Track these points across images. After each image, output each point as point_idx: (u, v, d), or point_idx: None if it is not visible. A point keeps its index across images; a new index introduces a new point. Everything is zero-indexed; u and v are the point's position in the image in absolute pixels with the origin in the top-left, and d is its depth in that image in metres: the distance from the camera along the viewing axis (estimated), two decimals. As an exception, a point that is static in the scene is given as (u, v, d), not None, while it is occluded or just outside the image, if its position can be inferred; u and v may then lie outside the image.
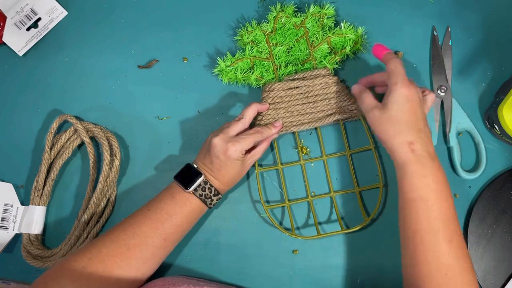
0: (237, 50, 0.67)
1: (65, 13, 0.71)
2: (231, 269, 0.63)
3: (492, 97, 0.65)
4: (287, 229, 0.63)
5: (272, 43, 0.66)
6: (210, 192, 0.58)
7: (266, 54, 0.65)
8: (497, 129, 0.62)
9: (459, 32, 0.68)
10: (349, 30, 0.64)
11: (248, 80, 0.66)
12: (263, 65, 0.66)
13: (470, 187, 0.64)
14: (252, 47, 0.66)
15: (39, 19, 0.70)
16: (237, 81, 0.66)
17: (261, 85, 0.66)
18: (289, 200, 0.64)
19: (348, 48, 0.64)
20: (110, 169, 0.64)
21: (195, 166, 0.58)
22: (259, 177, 0.64)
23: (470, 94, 0.66)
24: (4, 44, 0.69)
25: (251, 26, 0.66)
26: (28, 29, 0.70)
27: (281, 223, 0.64)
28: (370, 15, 0.68)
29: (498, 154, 0.64)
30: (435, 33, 0.66)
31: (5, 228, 0.64)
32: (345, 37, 0.64)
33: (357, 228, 0.61)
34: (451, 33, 0.66)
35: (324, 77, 0.64)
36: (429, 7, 0.68)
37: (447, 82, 0.65)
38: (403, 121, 0.52)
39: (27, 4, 0.70)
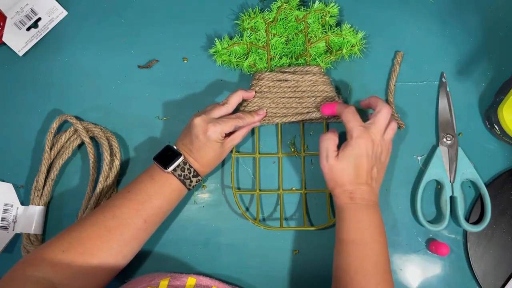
0: (235, 35, 0.67)
1: (65, 13, 0.71)
2: (231, 269, 0.63)
3: (492, 97, 0.65)
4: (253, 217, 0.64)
5: (271, 33, 0.66)
6: (190, 173, 0.58)
7: (263, 43, 0.66)
8: (497, 129, 0.62)
9: (459, 32, 0.68)
10: (349, 32, 0.64)
11: (241, 65, 0.66)
12: (258, 53, 0.66)
13: (470, 187, 0.64)
14: (250, 33, 0.66)
15: (39, 19, 0.70)
16: (230, 64, 0.67)
17: (252, 72, 0.67)
18: (260, 190, 0.64)
19: (344, 50, 0.64)
20: (110, 169, 0.64)
21: (175, 147, 0.59)
22: (234, 162, 0.64)
23: (470, 94, 0.66)
24: (4, 44, 0.69)
25: (254, 12, 0.67)
26: (28, 29, 0.70)
27: (247, 209, 0.65)
28: (371, 15, 0.68)
29: (498, 154, 0.64)
30: (443, 80, 0.65)
31: (5, 228, 0.64)
32: (343, 38, 0.64)
33: (320, 227, 0.62)
34: (447, 79, 0.65)
35: (315, 75, 0.64)
36: (429, 7, 0.68)
37: (453, 130, 0.64)
38: (349, 176, 0.55)
39: (27, 4, 0.70)
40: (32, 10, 0.70)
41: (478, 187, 0.62)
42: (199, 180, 0.59)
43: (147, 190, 0.56)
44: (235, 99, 0.61)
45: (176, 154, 0.58)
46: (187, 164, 0.58)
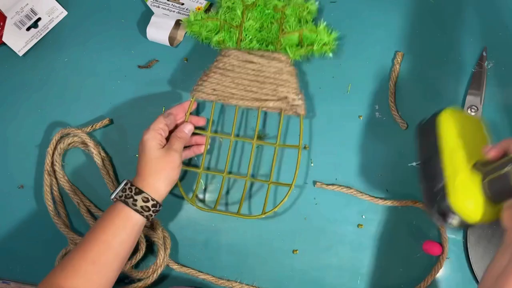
0: (211, 10, 0.67)
1: (65, 13, 0.71)
2: (231, 269, 0.63)
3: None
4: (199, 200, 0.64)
5: (247, 16, 0.65)
6: (131, 192, 0.54)
7: (237, 23, 0.65)
8: (453, 220, 0.50)
9: (459, 32, 0.68)
10: (323, 30, 0.64)
11: (210, 39, 0.66)
12: (230, 31, 0.65)
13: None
14: (226, 11, 0.65)
15: (39, 19, 0.70)
16: (199, 36, 0.66)
17: (219, 48, 0.66)
18: (204, 169, 0.64)
19: (315, 47, 0.64)
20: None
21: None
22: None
23: (470, 94, 0.66)
24: (4, 44, 0.69)
25: None
26: (28, 29, 0.70)
27: (193, 191, 0.65)
28: (371, 15, 0.68)
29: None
30: (484, 54, 0.65)
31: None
32: (317, 35, 0.63)
33: (250, 217, 0.62)
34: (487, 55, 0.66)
35: (281, 63, 0.63)
36: (429, 7, 0.68)
37: (480, 103, 0.64)
38: None
39: (27, 4, 0.70)
40: (32, 10, 0.70)
41: None
42: (146, 198, 0.54)
43: (94, 228, 0.54)
44: (177, 109, 0.62)
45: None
46: (129, 184, 0.55)
